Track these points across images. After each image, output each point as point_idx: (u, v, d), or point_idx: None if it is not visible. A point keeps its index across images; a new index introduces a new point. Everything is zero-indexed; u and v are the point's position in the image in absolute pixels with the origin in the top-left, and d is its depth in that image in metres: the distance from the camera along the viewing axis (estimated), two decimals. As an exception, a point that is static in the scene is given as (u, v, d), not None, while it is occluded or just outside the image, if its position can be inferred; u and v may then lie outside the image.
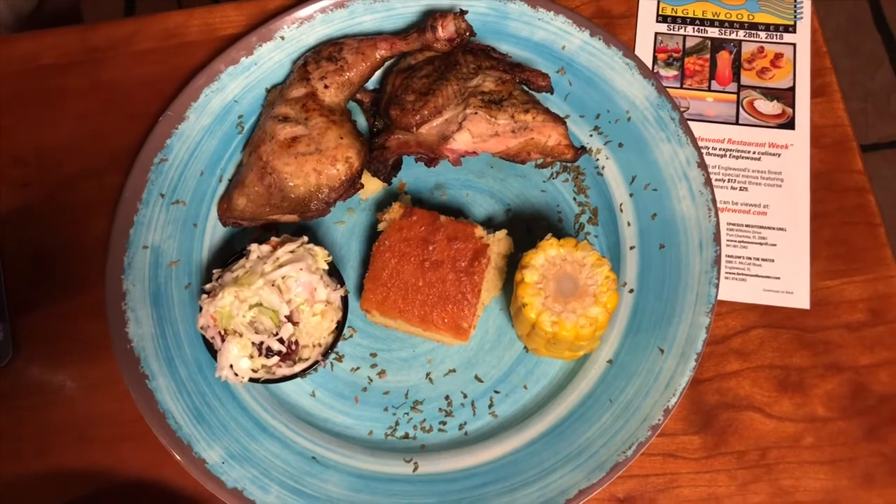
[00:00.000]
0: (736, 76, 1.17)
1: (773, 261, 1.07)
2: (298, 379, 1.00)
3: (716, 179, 1.11)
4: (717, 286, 1.00)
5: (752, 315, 1.05)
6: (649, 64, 1.17)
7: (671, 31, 1.19)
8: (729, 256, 1.08)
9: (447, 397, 1.02)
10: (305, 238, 0.98)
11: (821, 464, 0.98)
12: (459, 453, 0.99)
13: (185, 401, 1.00)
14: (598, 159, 1.10)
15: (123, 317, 1.02)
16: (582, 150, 1.06)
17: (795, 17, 1.19)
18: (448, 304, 0.96)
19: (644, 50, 1.18)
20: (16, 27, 1.77)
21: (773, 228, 1.09)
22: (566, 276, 0.92)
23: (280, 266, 0.93)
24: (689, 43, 1.19)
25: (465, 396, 1.02)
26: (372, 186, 1.10)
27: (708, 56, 1.18)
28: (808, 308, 1.04)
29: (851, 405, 1.00)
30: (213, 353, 0.96)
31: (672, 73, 1.17)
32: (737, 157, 1.12)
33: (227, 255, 1.07)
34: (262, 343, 0.92)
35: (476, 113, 1.02)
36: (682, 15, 1.20)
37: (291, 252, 0.96)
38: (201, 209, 1.09)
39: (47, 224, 1.13)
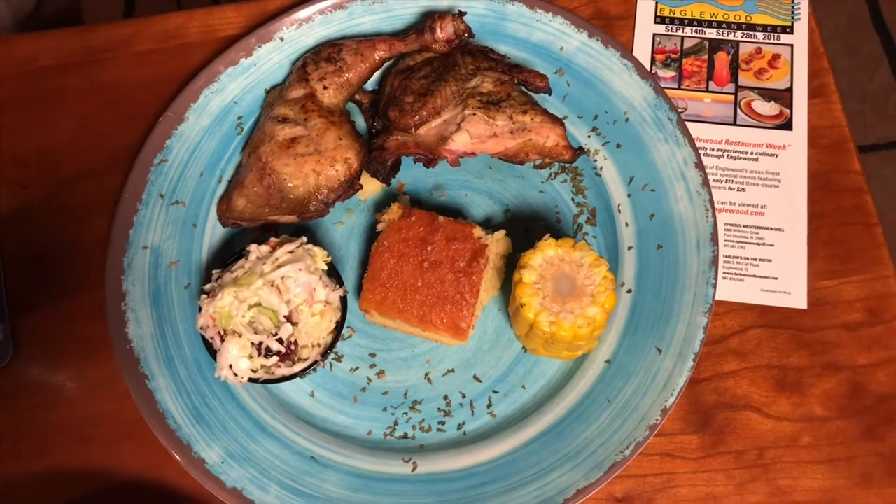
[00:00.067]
0: (734, 77, 1.17)
1: (770, 261, 1.07)
2: (297, 379, 1.01)
3: (713, 180, 1.12)
4: (714, 286, 1.00)
5: (750, 315, 1.05)
6: (647, 65, 1.17)
7: (669, 32, 1.20)
8: (727, 257, 1.08)
9: (446, 397, 1.03)
10: (304, 238, 0.99)
11: (818, 463, 0.98)
12: (458, 453, 0.99)
13: (185, 401, 1.00)
14: (596, 160, 1.10)
15: (123, 317, 1.03)
16: (580, 151, 1.06)
17: (793, 17, 1.19)
18: (447, 304, 0.96)
19: (642, 51, 1.19)
20: (15, 28, 1.77)
21: (771, 229, 1.09)
22: (564, 277, 0.92)
23: (279, 266, 0.94)
24: (687, 44, 1.19)
25: (464, 396, 1.03)
26: (371, 187, 1.10)
27: (706, 57, 1.18)
28: (806, 308, 1.04)
29: (849, 405, 1.00)
30: (212, 353, 0.96)
31: (670, 73, 1.17)
32: (734, 158, 1.13)
33: (227, 255, 1.07)
34: (261, 343, 0.92)
35: (474, 114, 1.02)
36: (679, 16, 1.20)
37: (290, 252, 0.96)
38: (201, 210, 1.09)
39: (47, 224, 1.13)
